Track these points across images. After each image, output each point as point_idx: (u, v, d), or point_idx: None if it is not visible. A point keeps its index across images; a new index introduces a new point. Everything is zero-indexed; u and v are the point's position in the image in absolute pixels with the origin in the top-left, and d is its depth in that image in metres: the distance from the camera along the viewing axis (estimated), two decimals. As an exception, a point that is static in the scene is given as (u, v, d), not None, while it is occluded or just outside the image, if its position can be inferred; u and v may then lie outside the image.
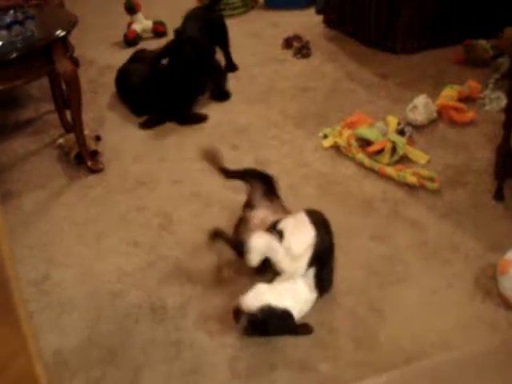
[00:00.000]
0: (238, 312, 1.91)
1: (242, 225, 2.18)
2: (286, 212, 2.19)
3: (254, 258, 1.92)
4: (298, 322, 1.92)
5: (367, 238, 2.30)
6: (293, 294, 1.94)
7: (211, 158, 2.36)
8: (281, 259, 1.92)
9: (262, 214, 2.17)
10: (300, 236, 1.98)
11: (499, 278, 1.96)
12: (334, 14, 4.15)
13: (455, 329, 1.89)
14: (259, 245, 1.91)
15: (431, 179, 2.51)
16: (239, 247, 2.00)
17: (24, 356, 0.93)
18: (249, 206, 2.24)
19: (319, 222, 2.04)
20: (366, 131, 2.78)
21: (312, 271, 1.96)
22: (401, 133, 2.74)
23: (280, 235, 1.98)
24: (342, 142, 2.80)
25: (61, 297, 2.21)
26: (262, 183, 2.28)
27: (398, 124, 2.80)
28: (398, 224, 2.34)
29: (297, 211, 2.10)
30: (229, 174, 2.33)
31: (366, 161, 2.68)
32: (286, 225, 2.03)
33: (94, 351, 1.97)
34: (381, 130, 2.78)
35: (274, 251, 1.92)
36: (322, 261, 1.98)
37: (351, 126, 2.87)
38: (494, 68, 3.28)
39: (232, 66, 3.79)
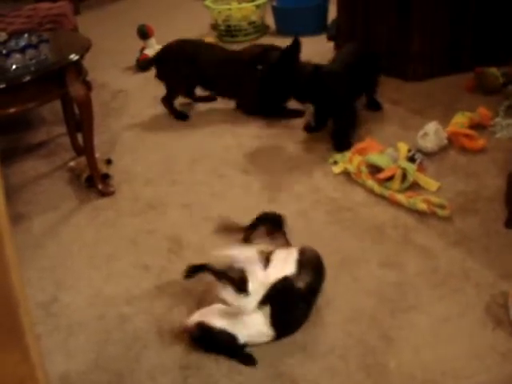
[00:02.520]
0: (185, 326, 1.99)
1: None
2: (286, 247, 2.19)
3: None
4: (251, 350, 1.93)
5: (377, 264, 2.28)
6: (243, 319, 1.93)
7: (228, 227, 2.37)
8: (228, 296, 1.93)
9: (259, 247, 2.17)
10: (279, 271, 2.00)
11: (511, 306, 1.94)
12: (345, 41, 4.17)
13: (467, 358, 1.86)
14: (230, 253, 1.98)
15: (442, 206, 2.50)
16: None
17: (32, 383, 0.93)
18: (246, 240, 2.26)
19: (307, 261, 2.05)
20: (376, 158, 2.77)
21: (267, 310, 1.93)
22: (411, 160, 2.73)
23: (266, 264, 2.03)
24: (352, 168, 2.80)
25: (69, 319, 2.20)
26: (270, 223, 2.28)
27: (409, 151, 2.79)
28: (409, 251, 2.33)
29: (297, 244, 2.12)
30: (248, 230, 2.31)
31: (376, 187, 2.67)
32: (275, 256, 2.07)
33: (101, 375, 1.96)
34: (391, 156, 2.78)
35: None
36: (280, 302, 1.95)
37: (361, 152, 2.87)
38: (504, 95, 3.28)
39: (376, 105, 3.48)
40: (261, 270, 2.01)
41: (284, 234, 2.26)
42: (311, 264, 2.06)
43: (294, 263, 2.02)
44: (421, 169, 2.72)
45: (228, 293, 1.92)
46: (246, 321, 1.93)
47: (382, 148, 2.87)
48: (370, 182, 2.69)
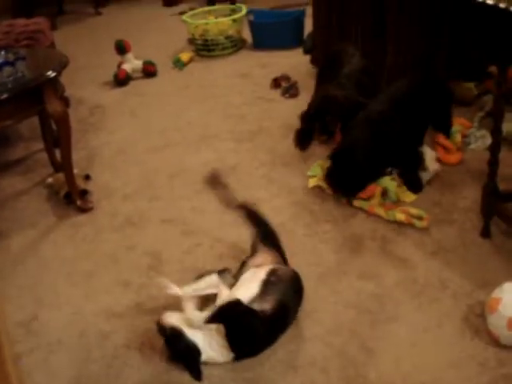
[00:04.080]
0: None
1: (241, 268, 2.21)
2: (278, 261, 2.21)
3: None
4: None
5: (356, 276, 2.30)
6: (209, 336, 1.96)
7: (214, 182, 2.38)
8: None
9: (259, 260, 2.20)
10: (242, 291, 2.03)
11: (488, 316, 1.97)
12: (321, 54, 4.21)
13: (446, 368, 1.88)
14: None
15: (420, 217, 2.53)
16: None
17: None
18: (252, 250, 2.27)
19: (276, 282, 2.07)
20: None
21: (222, 330, 1.95)
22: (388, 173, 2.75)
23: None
24: (324, 184, 2.82)
25: (49, 338, 2.19)
26: (261, 230, 2.30)
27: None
28: (387, 262, 2.35)
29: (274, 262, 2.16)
30: (238, 207, 2.34)
31: (355, 200, 2.70)
32: (243, 276, 2.12)
33: (82, 393, 1.95)
34: None
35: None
36: (232, 323, 1.95)
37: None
38: (478, 106, 3.33)
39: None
40: (225, 289, 2.07)
41: (277, 245, 2.28)
42: (281, 284, 2.07)
43: (258, 284, 2.04)
44: (389, 206, 2.66)
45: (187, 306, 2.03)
46: (211, 342, 1.96)
47: None
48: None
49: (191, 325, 1.98)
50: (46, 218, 2.92)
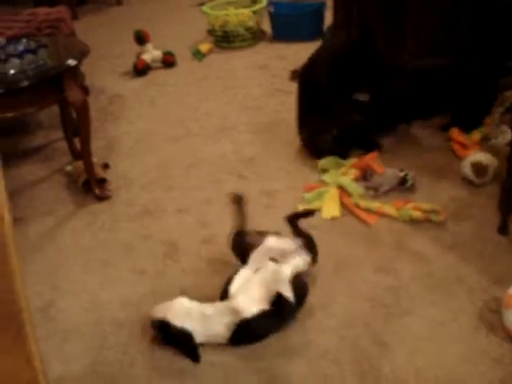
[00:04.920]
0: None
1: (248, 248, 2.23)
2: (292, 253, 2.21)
3: None
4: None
5: (372, 270, 2.30)
6: (204, 320, 2.00)
7: (238, 202, 2.39)
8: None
9: (269, 243, 2.21)
10: (247, 293, 2.05)
11: (504, 311, 1.96)
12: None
13: (460, 363, 1.88)
14: None
15: (434, 211, 2.52)
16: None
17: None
18: (262, 233, 2.28)
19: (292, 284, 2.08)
20: (348, 182, 2.76)
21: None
22: (403, 181, 2.71)
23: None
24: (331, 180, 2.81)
25: (65, 324, 2.22)
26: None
27: (401, 170, 2.75)
28: (403, 256, 2.35)
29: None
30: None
31: (362, 202, 2.66)
32: (256, 277, 2.11)
33: (96, 379, 1.97)
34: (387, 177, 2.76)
35: None
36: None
37: (360, 167, 2.87)
38: (498, 102, 3.30)
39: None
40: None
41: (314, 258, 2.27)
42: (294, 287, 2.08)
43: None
44: (398, 204, 2.62)
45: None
46: (205, 324, 1.99)
47: (383, 169, 2.81)
48: (355, 197, 2.70)
49: (186, 312, 2.02)
50: (64, 206, 2.94)
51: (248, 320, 1.98)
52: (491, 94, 3.08)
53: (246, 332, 2.00)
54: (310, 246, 2.26)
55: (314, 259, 2.25)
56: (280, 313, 2.03)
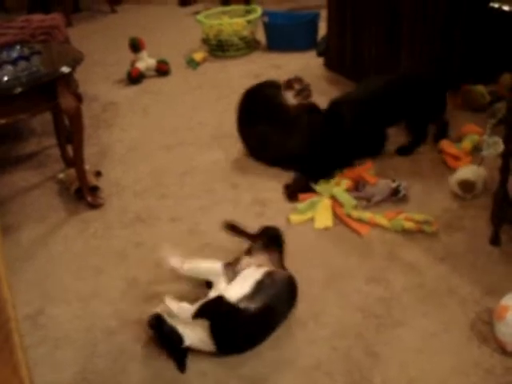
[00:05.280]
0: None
1: (234, 263, 2.22)
2: (279, 266, 2.22)
3: None
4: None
5: (364, 280, 2.30)
6: (191, 326, 1.98)
7: (233, 228, 2.42)
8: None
9: (255, 261, 2.20)
10: (236, 288, 2.06)
11: (496, 323, 1.96)
12: (334, 57, 4.22)
13: (452, 374, 1.88)
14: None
15: (427, 222, 2.52)
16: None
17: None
18: (248, 252, 2.27)
19: (270, 284, 2.08)
20: (340, 193, 2.75)
21: (206, 324, 1.96)
22: (396, 192, 2.71)
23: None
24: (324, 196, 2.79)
25: (56, 332, 2.20)
26: (268, 238, 2.31)
27: (394, 181, 2.76)
28: (395, 267, 2.35)
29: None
30: (249, 236, 2.36)
31: (354, 213, 2.66)
32: (241, 274, 2.14)
33: (87, 388, 1.96)
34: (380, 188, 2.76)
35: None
36: (217, 318, 1.97)
37: (352, 177, 2.87)
38: (491, 113, 3.32)
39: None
40: (224, 282, 2.13)
41: (280, 252, 2.29)
42: (275, 287, 2.08)
43: (251, 283, 2.06)
44: (390, 214, 2.62)
45: (170, 301, 2.04)
46: (192, 328, 1.98)
47: (375, 179, 2.81)
48: (347, 208, 2.69)
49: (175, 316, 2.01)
50: (56, 213, 2.93)
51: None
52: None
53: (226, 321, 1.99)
54: (272, 240, 2.29)
55: (281, 251, 2.29)
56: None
